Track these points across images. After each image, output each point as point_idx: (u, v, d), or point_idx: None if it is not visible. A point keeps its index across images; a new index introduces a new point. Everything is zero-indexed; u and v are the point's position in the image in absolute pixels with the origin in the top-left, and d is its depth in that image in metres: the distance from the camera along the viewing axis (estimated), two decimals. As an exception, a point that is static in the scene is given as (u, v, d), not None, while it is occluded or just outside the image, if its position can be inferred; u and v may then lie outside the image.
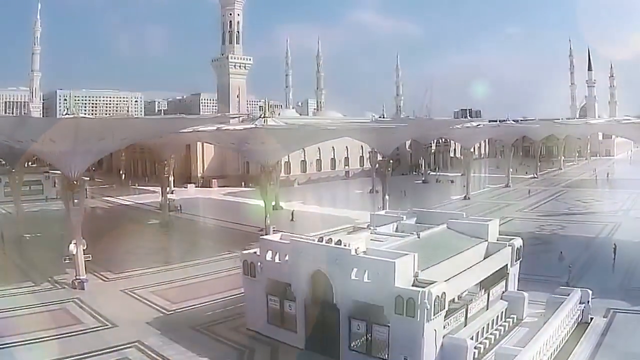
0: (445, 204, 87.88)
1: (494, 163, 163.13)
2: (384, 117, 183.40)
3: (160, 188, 78.54)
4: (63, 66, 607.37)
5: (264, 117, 57.24)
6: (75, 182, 40.33)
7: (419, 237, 32.04)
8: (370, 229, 35.22)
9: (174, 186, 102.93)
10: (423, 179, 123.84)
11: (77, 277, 43.29)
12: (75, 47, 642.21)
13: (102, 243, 54.72)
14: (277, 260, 30.49)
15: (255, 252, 32.16)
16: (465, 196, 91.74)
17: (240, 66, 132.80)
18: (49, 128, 39.31)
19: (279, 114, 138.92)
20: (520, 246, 34.78)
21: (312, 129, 54.71)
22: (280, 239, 32.22)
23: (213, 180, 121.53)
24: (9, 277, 45.50)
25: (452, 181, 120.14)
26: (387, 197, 69.31)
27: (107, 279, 46.51)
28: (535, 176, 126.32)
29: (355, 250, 26.75)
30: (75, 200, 41.05)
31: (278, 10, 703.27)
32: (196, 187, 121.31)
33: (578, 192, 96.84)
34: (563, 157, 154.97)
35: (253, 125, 51.03)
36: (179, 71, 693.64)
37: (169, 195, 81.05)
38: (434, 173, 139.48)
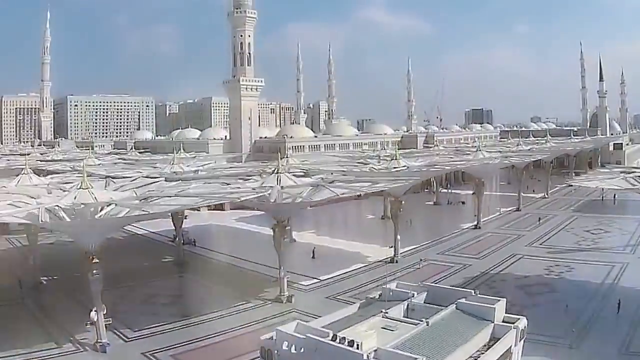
0: (456, 234, 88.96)
1: (505, 175, 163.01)
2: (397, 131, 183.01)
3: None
4: (74, 71, 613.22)
5: (277, 172, 58.02)
6: (93, 256, 41.85)
7: (428, 325, 33.25)
8: (382, 311, 36.09)
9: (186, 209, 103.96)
10: (435, 200, 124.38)
11: (99, 340, 44.93)
12: (85, 52, 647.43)
13: (119, 289, 56.46)
14: (292, 350, 31.78)
15: (271, 338, 33.41)
16: (476, 225, 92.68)
17: (251, 88, 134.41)
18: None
19: (291, 137, 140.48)
20: (525, 326, 35.83)
21: (327, 192, 55.43)
22: (295, 330, 33.31)
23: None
24: (32, 337, 47.11)
25: (463, 202, 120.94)
26: (398, 237, 70.82)
27: (128, 338, 48.05)
28: (546, 196, 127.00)
29: (367, 355, 27.98)
30: (95, 271, 42.52)
31: (287, 7, 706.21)
32: (209, 209, 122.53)
33: (587, 219, 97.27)
34: (574, 173, 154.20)
35: (267, 198, 51.78)
36: (190, 74, 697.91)
37: (182, 225, 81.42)
38: (446, 190, 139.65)
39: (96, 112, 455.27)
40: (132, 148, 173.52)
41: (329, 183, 58.03)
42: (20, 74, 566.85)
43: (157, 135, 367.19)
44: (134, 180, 60.86)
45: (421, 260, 69.65)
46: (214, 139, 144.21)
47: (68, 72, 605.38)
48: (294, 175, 62.97)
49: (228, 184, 59.01)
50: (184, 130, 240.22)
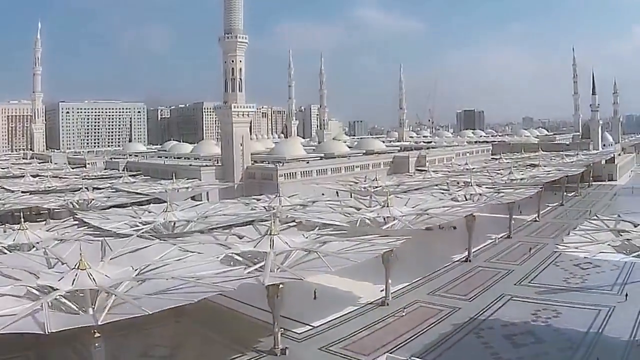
0: (446, 268, 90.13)
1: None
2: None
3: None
4: (65, 77, 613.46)
5: (270, 234, 59.09)
6: (95, 330, 43.08)
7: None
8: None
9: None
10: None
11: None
12: (77, 53, 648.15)
13: (115, 337, 56.90)
14: None
15: None
16: (467, 258, 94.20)
17: (243, 114, 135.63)
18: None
19: (284, 164, 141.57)
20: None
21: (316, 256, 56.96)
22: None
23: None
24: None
25: (454, 227, 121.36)
26: (390, 281, 72.31)
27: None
28: (537, 219, 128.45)
29: None
30: (97, 344, 43.75)
31: (279, 6, 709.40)
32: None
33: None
34: (565, 189, 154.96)
35: (262, 269, 52.90)
36: (182, 79, 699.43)
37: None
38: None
39: (88, 119, 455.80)
40: (124, 169, 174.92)
41: (321, 245, 59.52)
42: (11, 81, 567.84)
43: (149, 143, 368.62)
44: (128, 242, 61.81)
45: (404, 308, 70.71)
46: (206, 165, 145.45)
47: (60, 75, 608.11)
48: (287, 224, 64.26)
49: (225, 246, 60.71)
50: (176, 144, 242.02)
